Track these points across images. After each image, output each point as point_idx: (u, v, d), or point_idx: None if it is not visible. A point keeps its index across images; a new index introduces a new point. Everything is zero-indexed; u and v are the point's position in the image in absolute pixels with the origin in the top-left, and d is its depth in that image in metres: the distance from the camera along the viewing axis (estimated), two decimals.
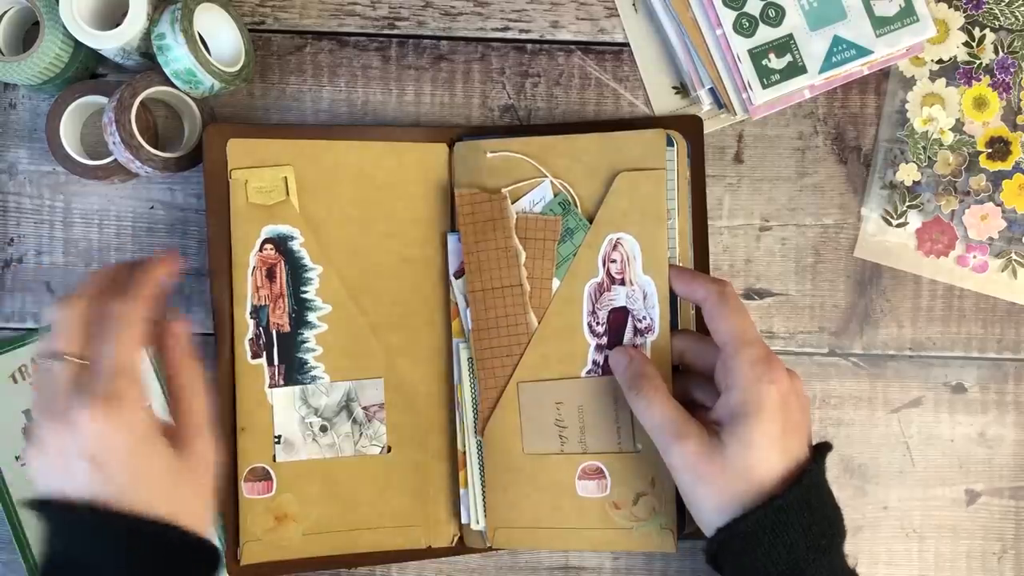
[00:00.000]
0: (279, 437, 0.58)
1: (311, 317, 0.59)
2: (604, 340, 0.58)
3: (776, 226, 0.62)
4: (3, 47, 0.57)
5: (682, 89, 0.62)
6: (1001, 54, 0.61)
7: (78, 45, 0.57)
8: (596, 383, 0.58)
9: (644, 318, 0.57)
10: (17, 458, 0.60)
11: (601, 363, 0.58)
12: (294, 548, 0.59)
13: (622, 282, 0.58)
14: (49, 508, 0.47)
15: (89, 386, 0.47)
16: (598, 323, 0.58)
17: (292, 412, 0.58)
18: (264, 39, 0.61)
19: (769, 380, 0.51)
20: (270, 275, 0.59)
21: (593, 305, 0.58)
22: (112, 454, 0.47)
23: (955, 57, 0.61)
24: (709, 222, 0.61)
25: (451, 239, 0.59)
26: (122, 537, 0.47)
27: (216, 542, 0.51)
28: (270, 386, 0.58)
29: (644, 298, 0.57)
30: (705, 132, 0.61)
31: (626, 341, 0.57)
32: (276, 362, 0.58)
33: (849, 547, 0.62)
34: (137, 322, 0.49)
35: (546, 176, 0.58)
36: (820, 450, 0.53)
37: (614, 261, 0.58)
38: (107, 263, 0.61)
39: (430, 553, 0.60)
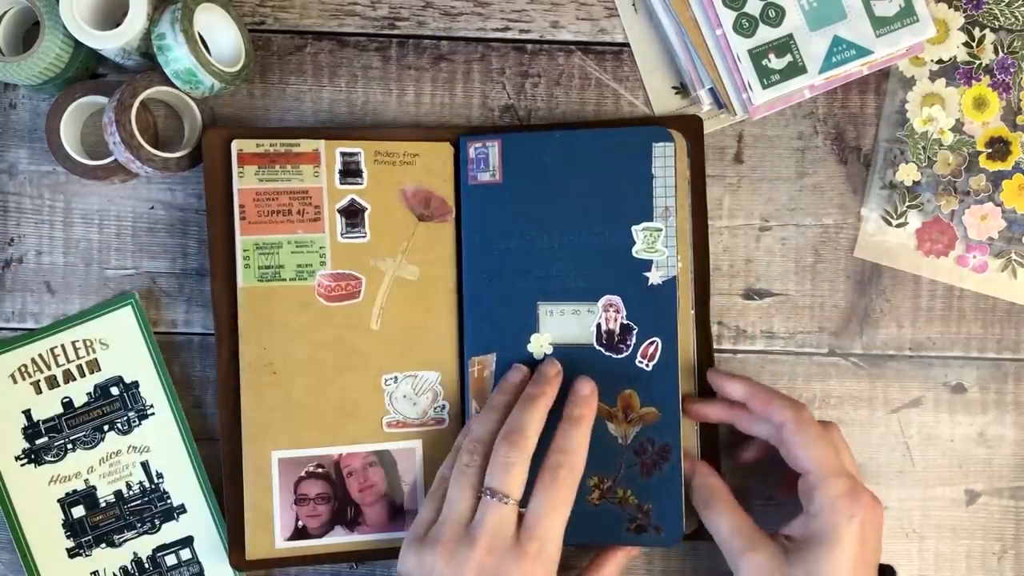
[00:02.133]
0: None
1: None
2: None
3: (776, 226, 0.62)
4: (3, 47, 0.57)
5: (682, 89, 0.62)
6: (1001, 54, 0.61)
7: (78, 45, 0.57)
8: None
9: None
10: (17, 458, 0.60)
11: None
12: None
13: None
14: None
15: (524, 540, 0.51)
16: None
17: None
18: (264, 39, 0.61)
19: (850, 516, 0.51)
20: None
21: None
22: None
23: (955, 57, 0.61)
24: (709, 222, 0.61)
25: None
26: None
27: None
28: None
29: None
30: (705, 132, 0.61)
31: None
32: None
33: None
34: (573, 494, 0.53)
35: None
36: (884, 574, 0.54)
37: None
38: (107, 262, 0.61)
39: None
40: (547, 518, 0.51)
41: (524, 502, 0.52)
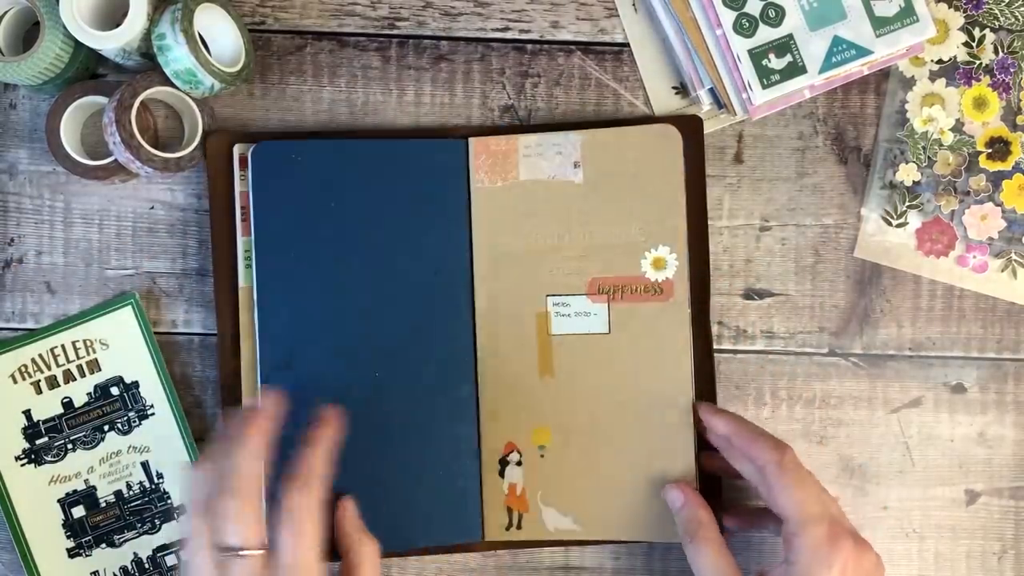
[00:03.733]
0: None
1: None
2: None
3: (776, 226, 0.62)
4: (3, 47, 0.57)
5: (682, 89, 0.62)
6: (1001, 54, 0.61)
7: (78, 45, 0.57)
8: None
9: None
10: (17, 458, 0.60)
11: None
12: None
13: None
14: None
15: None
16: None
17: None
18: (264, 39, 0.61)
19: (829, 565, 0.50)
20: None
21: None
22: None
23: (955, 57, 0.61)
24: (709, 222, 0.61)
25: None
26: None
27: None
28: None
29: None
30: (705, 132, 0.61)
31: None
32: None
33: None
34: (317, 514, 0.50)
35: None
36: None
37: None
38: (103, 265, 0.61)
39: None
40: (293, 550, 0.48)
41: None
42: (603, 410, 0.59)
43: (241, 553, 0.47)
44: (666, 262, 0.58)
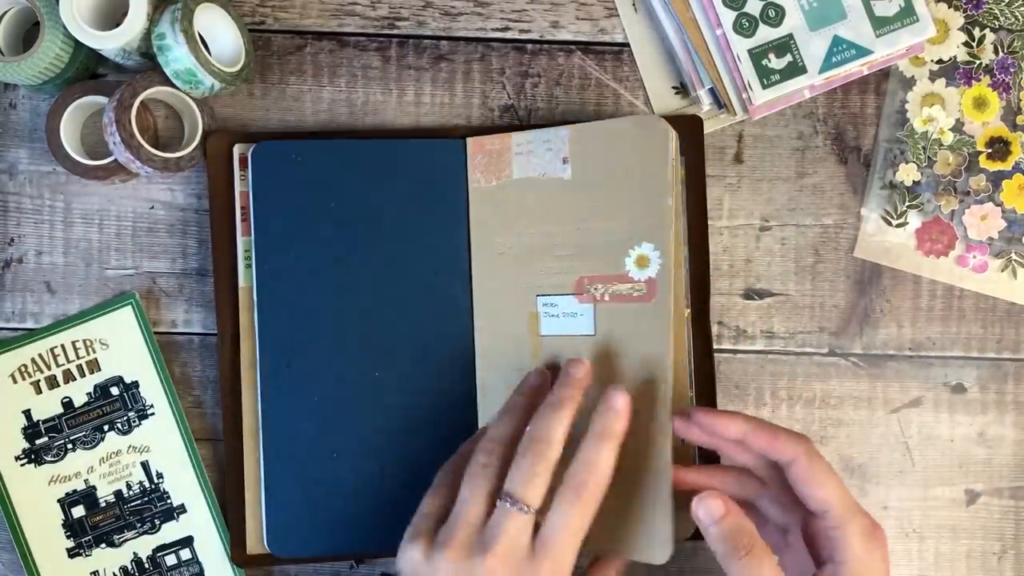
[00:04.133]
0: None
1: None
2: None
3: (776, 226, 0.62)
4: (3, 47, 0.57)
5: (682, 89, 0.62)
6: (1001, 54, 0.61)
7: (78, 45, 0.57)
8: None
9: None
10: (17, 458, 0.60)
11: None
12: None
13: None
14: None
15: (539, 556, 0.48)
16: None
17: None
18: (264, 39, 0.61)
19: (881, 557, 0.50)
20: None
21: None
22: None
23: (955, 57, 0.61)
24: (709, 222, 0.61)
25: None
26: None
27: None
28: None
29: None
30: (705, 132, 0.61)
31: None
32: None
33: None
34: (588, 517, 0.49)
35: None
36: None
37: None
38: (106, 263, 0.61)
39: None
40: (564, 535, 0.48)
41: (542, 511, 0.49)
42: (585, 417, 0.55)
43: (523, 509, 0.48)
44: (649, 260, 0.55)
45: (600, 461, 0.50)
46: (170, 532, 0.60)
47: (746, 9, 0.59)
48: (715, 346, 0.62)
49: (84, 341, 0.60)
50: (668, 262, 0.54)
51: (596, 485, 0.49)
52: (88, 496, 0.60)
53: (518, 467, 0.49)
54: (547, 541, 0.48)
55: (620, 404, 0.51)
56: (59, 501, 0.60)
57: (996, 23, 0.61)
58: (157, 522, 0.60)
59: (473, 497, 0.50)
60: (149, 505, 0.60)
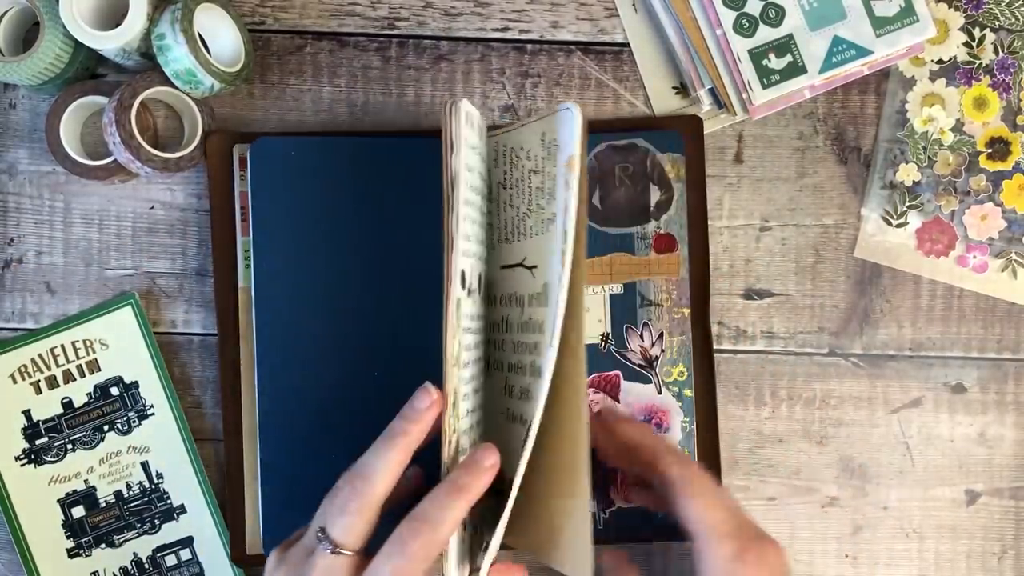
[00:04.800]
0: None
1: None
2: None
3: (776, 226, 0.62)
4: (3, 47, 0.57)
5: (682, 89, 0.62)
6: (1001, 54, 0.61)
7: (78, 45, 0.57)
8: None
9: None
10: (17, 458, 0.60)
11: None
12: None
13: None
14: None
15: None
16: None
17: None
18: (264, 39, 0.61)
19: None
20: None
21: None
22: None
23: (955, 57, 0.61)
24: (709, 222, 0.61)
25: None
26: None
27: None
28: None
29: None
30: (705, 132, 0.61)
31: None
32: None
33: (849, 547, 0.62)
34: (425, 567, 0.45)
35: None
36: None
37: None
38: (105, 263, 0.61)
39: None
40: (398, 566, 0.45)
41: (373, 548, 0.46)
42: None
43: (335, 551, 0.46)
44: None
45: (442, 518, 0.46)
46: (170, 532, 0.60)
47: (746, 9, 0.59)
48: (715, 346, 0.62)
49: (84, 341, 0.60)
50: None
51: (430, 542, 0.45)
52: (88, 496, 0.60)
53: (331, 501, 0.47)
54: None
55: (488, 462, 0.47)
56: (59, 501, 0.60)
57: (996, 23, 0.61)
58: (157, 522, 0.60)
59: (314, 523, 0.48)
60: (149, 505, 0.60)
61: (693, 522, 0.51)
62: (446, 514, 0.46)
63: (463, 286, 0.50)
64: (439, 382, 0.58)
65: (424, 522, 0.46)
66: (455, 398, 0.48)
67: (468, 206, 0.50)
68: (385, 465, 0.47)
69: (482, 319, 0.55)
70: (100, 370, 0.60)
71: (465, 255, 0.50)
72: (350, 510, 0.46)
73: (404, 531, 0.46)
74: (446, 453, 0.48)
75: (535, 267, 0.53)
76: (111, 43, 0.55)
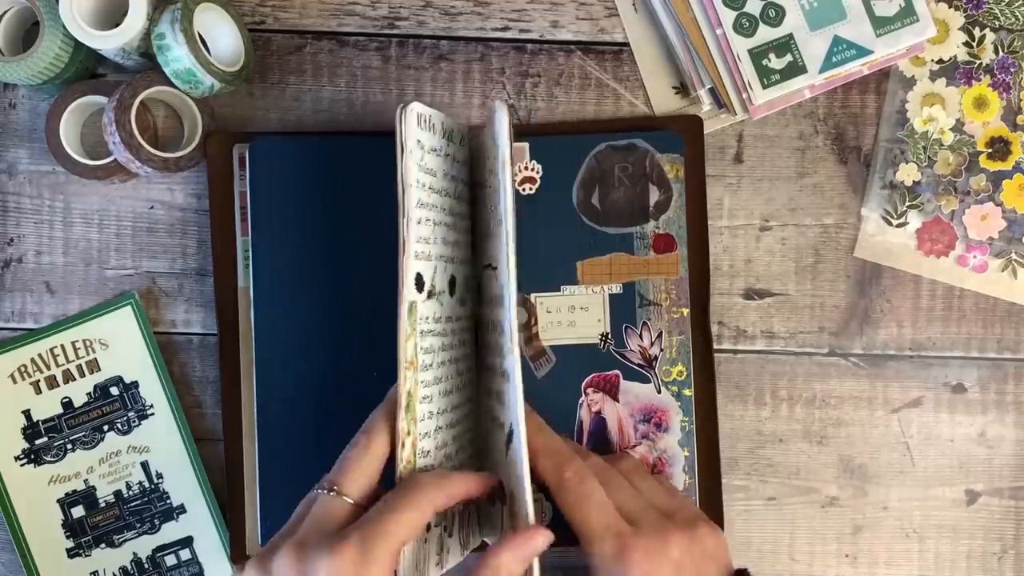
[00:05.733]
0: None
1: None
2: None
3: (776, 226, 0.62)
4: (3, 47, 0.57)
5: (682, 89, 0.62)
6: (1001, 54, 0.61)
7: (78, 45, 0.57)
8: None
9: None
10: (17, 458, 0.60)
11: None
12: None
13: None
14: None
15: (348, 531, 0.45)
16: None
17: None
18: (264, 39, 0.61)
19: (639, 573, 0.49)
20: None
21: None
22: None
23: (955, 57, 0.61)
24: (709, 222, 0.61)
25: None
26: None
27: None
28: None
29: None
30: (705, 132, 0.61)
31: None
32: None
33: (849, 547, 0.62)
34: (428, 513, 0.47)
35: None
36: None
37: None
38: (105, 263, 0.61)
39: None
40: (383, 515, 0.46)
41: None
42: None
43: (331, 491, 0.47)
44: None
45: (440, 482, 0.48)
46: (170, 532, 0.60)
47: (746, 9, 0.59)
48: (715, 346, 0.62)
49: (84, 341, 0.60)
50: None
51: (426, 485, 0.48)
52: (88, 496, 0.60)
53: (340, 457, 0.49)
54: (360, 522, 0.46)
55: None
56: (59, 501, 0.60)
57: (996, 23, 0.61)
58: (157, 522, 0.60)
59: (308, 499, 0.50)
60: (149, 505, 0.60)
61: (573, 524, 0.51)
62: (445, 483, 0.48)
63: (420, 289, 0.50)
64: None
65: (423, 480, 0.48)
66: (410, 400, 0.49)
67: (424, 208, 0.50)
68: (385, 424, 0.49)
69: (458, 320, 0.55)
70: (100, 370, 0.60)
71: (423, 258, 0.50)
72: (349, 457, 0.49)
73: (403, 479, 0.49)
74: (400, 455, 0.49)
75: (496, 268, 0.53)
76: (111, 43, 0.55)
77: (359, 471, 0.48)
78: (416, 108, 0.49)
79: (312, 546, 0.45)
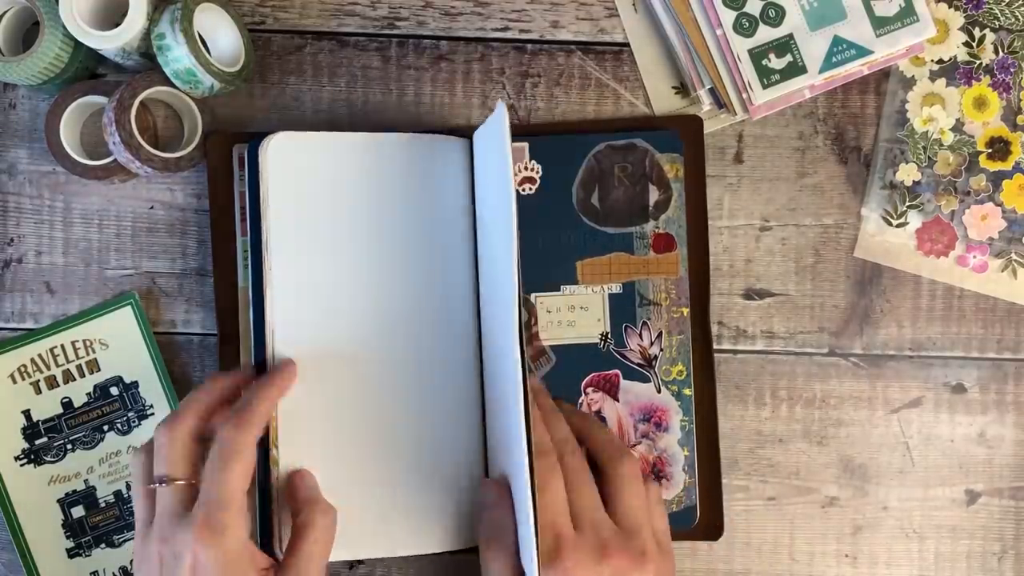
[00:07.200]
0: None
1: None
2: None
3: (776, 226, 0.62)
4: (3, 47, 0.57)
5: (682, 89, 0.62)
6: (1001, 54, 0.61)
7: (78, 45, 0.57)
8: None
9: None
10: (17, 458, 0.60)
11: None
12: None
13: None
14: None
15: (194, 512, 0.48)
16: None
17: None
18: (264, 39, 0.61)
19: None
20: None
21: None
22: None
23: (955, 57, 0.61)
24: (709, 222, 0.61)
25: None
26: None
27: None
28: None
29: None
30: (705, 132, 0.61)
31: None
32: None
33: (849, 547, 0.62)
34: (248, 452, 0.50)
35: None
36: None
37: None
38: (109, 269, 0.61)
39: None
40: (214, 478, 0.48)
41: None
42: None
43: (166, 482, 0.49)
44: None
45: (243, 406, 0.51)
46: None
47: (746, 9, 0.59)
48: (715, 346, 0.62)
49: (84, 341, 0.60)
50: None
51: (237, 428, 0.50)
52: (88, 496, 0.60)
53: (157, 449, 0.51)
54: (199, 497, 0.49)
55: (284, 363, 0.54)
56: (59, 501, 0.60)
57: (996, 23, 0.61)
58: None
59: (134, 492, 0.52)
60: None
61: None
62: (251, 404, 0.51)
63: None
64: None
65: (229, 416, 0.51)
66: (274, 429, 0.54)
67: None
68: (194, 404, 0.52)
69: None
70: (100, 370, 0.60)
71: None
72: (162, 443, 0.50)
73: (217, 432, 0.50)
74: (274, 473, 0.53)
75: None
76: (111, 43, 0.55)
77: (180, 451, 0.50)
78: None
79: (170, 530, 0.48)
